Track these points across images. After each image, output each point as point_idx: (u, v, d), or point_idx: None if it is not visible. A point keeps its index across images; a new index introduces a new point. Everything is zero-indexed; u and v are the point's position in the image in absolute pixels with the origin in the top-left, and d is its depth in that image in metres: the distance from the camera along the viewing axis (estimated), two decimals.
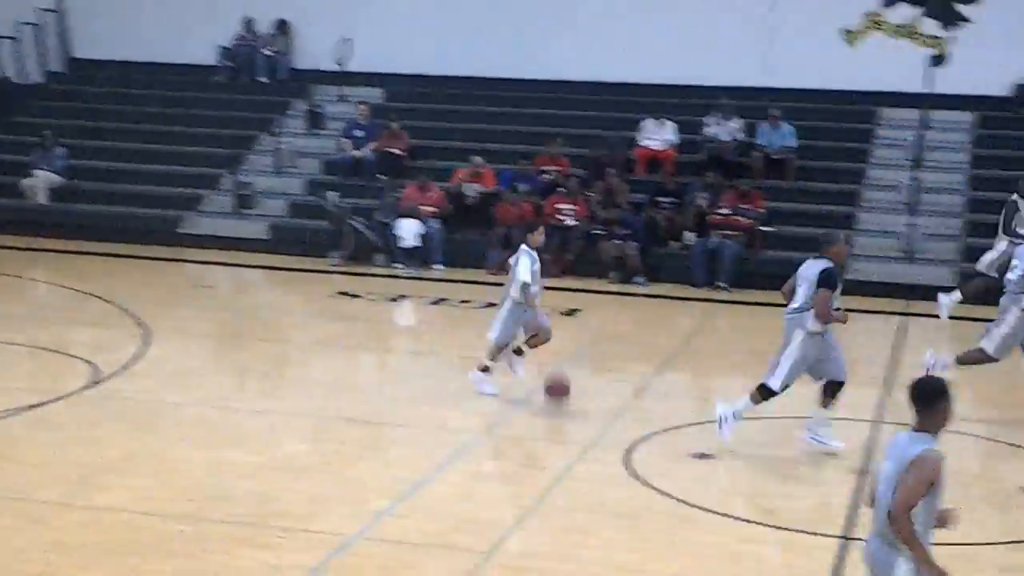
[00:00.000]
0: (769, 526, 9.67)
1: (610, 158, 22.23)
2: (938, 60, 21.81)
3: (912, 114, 22.71)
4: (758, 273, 20.32)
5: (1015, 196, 16.91)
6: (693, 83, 23.87)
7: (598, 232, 20.91)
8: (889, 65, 22.73)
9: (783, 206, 21.44)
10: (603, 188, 21.47)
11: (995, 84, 23.10)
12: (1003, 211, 16.75)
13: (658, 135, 22.83)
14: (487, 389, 12.94)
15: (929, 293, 19.63)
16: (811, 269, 11.61)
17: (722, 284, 20.18)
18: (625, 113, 23.50)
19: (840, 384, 11.75)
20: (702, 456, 11.38)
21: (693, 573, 8.75)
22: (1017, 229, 16.91)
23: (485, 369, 13.02)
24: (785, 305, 11.85)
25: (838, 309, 11.54)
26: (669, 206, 21.25)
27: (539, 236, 13.24)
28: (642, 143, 22.84)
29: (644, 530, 9.55)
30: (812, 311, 11.42)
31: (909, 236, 20.68)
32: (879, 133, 23.34)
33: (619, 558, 8.98)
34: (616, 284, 20.41)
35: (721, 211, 20.80)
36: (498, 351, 13.06)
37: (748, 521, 9.76)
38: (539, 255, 13.15)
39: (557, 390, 12.69)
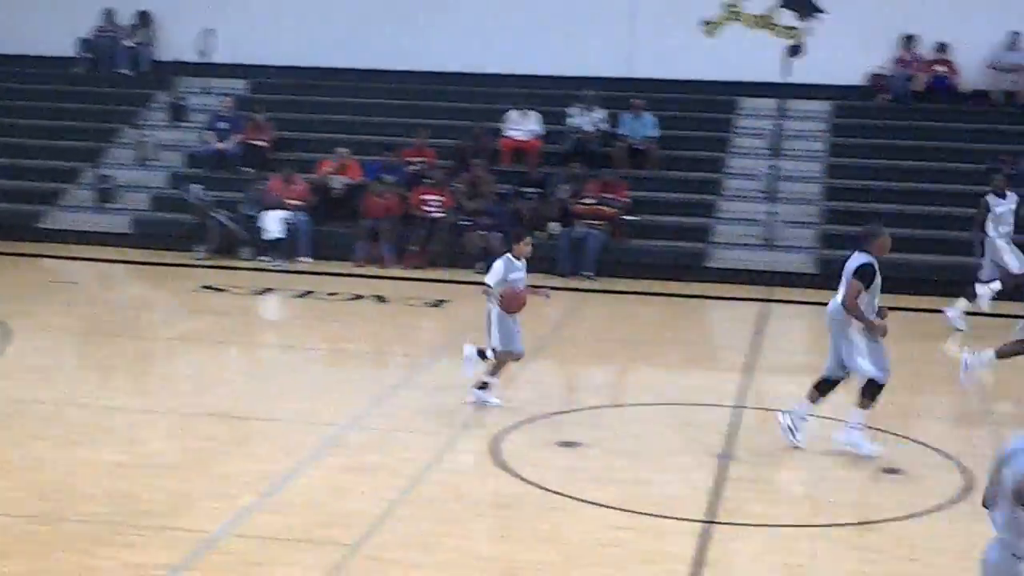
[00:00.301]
0: (634, 512, 9.80)
1: (475, 149, 22.31)
2: (795, 50, 22.25)
3: (770, 104, 23.16)
4: (622, 262, 20.61)
5: (989, 196, 17.44)
6: (556, 74, 24.07)
7: (464, 223, 20.97)
8: (748, 55, 23.17)
9: (646, 195, 21.71)
10: (469, 179, 21.54)
11: (850, 74, 23.66)
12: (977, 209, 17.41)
13: (523, 126, 22.96)
14: (492, 401, 12.53)
15: (789, 279, 20.18)
16: (852, 263, 11.55)
17: (587, 273, 20.38)
18: (490, 104, 23.61)
19: (836, 383, 11.72)
20: (569, 444, 11.50)
21: (559, 562, 8.83)
22: (988, 228, 17.44)
23: (483, 386, 12.58)
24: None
25: (881, 308, 11.48)
26: (534, 196, 21.40)
27: (525, 246, 12.60)
28: (507, 134, 22.95)
29: (511, 520, 9.63)
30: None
31: (769, 224, 21.09)
32: (739, 123, 23.77)
33: (486, 548, 9.05)
34: (483, 274, 20.38)
35: (585, 201, 21.01)
36: (501, 363, 12.57)
37: (613, 508, 9.88)
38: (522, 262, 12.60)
39: (512, 299, 12.37)
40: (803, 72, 22.45)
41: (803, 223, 21.47)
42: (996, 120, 22.81)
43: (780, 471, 11.18)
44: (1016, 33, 23.07)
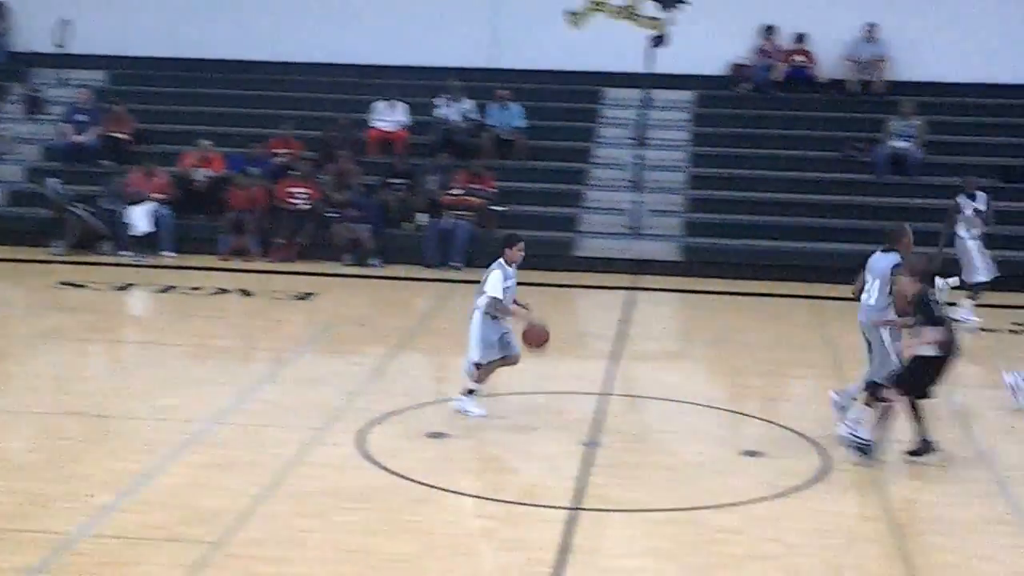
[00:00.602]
0: (500, 501, 9.82)
1: (342, 140, 22.15)
2: (658, 41, 22.42)
3: (635, 94, 23.32)
4: (491, 253, 20.42)
5: (960, 197, 17.51)
6: (423, 64, 23.98)
7: (331, 215, 20.82)
8: (612, 46, 23.28)
9: (513, 185, 21.74)
10: (335, 171, 21.38)
11: (712, 64, 23.95)
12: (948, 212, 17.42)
13: (389, 117, 22.86)
14: (475, 411, 12.04)
15: (654, 267, 20.41)
16: (881, 263, 11.70)
17: (456, 264, 20.36)
18: (356, 95, 23.47)
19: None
20: (436, 435, 11.48)
21: (427, 553, 8.82)
22: (958, 230, 17.59)
23: (470, 392, 12.15)
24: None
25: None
26: (402, 187, 21.32)
27: (518, 252, 12.08)
28: (374, 125, 22.83)
29: (378, 512, 9.57)
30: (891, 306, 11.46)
31: (634, 212, 21.28)
32: (604, 113, 23.92)
33: (352, 541, 8.98)
34: (350, 267, 20.36)
35: (453, 192, 20.99)
36: (484, 372, 12.11)
37: (480, 497, 9.90)
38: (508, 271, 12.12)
39: (535, 337, 11.95)
40: (666, 62, 22.61)
41: (668, 212, 21.68)
42: (852, 108, 23.25)
43: (645, 456, 11.27)
44: (872, 25, 23.53)
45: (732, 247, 20.72)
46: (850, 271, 19.22)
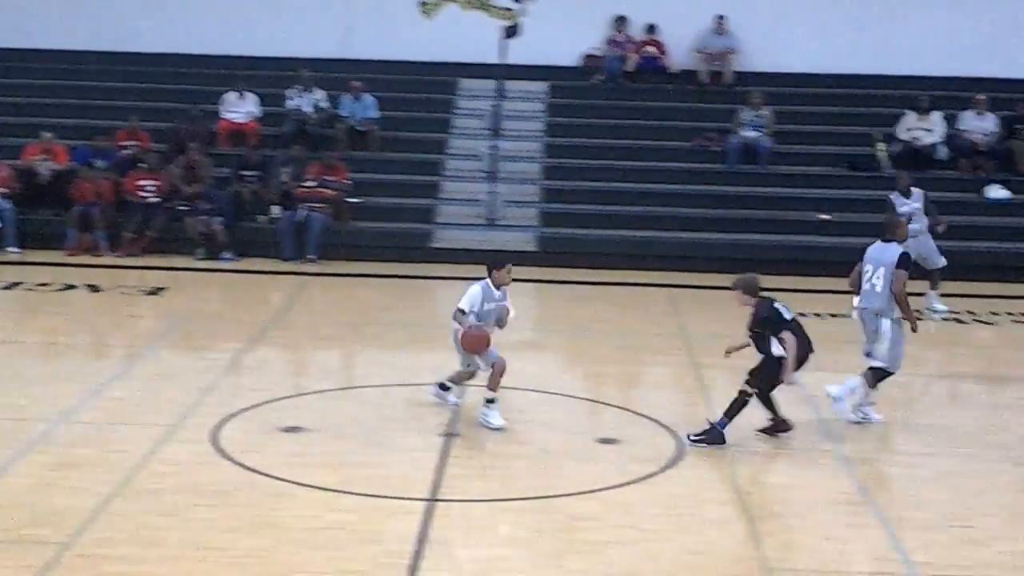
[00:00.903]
0: (357, 494, 9.76)
1: (192, 132, 21.79)
2: (511, 31, 22.48)
3: (489, 84, 23.36)
4: (346, 244, 20.49)
5: (893, 195, 17.66)
6: (274, 55, 23.73)
7: (182, 208, 20.48)
8: (465, 37, 23.30)
9: (368, 177, 21.64)
10: (185, 163, 21.02)
11: (565, 55, 24.10)
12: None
13: (240, 108, 22.57)
14: (451, 400, 12.06)
15: (511, 258, 20.36)
16: (885, 253, 11.95)
17: (311, 256, 20.19)
18: (206, 86, 23.12)
19: (890, 374, 12.03)
20: (292, 430, 11.36)
21: (283, 548, 8.72)
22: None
23: (444, 386, 12.12)
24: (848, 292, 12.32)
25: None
26: (254, 180, 21.06)
27: (507, 275, 11.70)
28: (224, 116, 22.52)
29: (233, 509, 9.44)
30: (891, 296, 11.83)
31: (490, 203, 21.32)
32: (459, 104, 23.92)
33: (207, 538, 8.84)
34: (203, 261, 20.05)
35: (306, 184, 20.80)
36: (462, 377, 12.02)
37: (337, 491, 9.81)
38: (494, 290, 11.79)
39: (474, 341, 11.57)
40: (520, 53, 22.71)
41: (523, 202, 21.77)
42: (703, 99, 23.59)
43: (503, 446, 11.28)
44: (721, 16, 23.89)
45: (587, 237, 20.88)
46: (705, 259, 19.90)
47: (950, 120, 22.32)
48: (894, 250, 12.05)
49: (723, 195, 21.68)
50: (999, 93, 22.65)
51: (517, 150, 22.79)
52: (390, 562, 8.52)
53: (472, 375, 12.04)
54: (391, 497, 9.75)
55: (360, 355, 15.28)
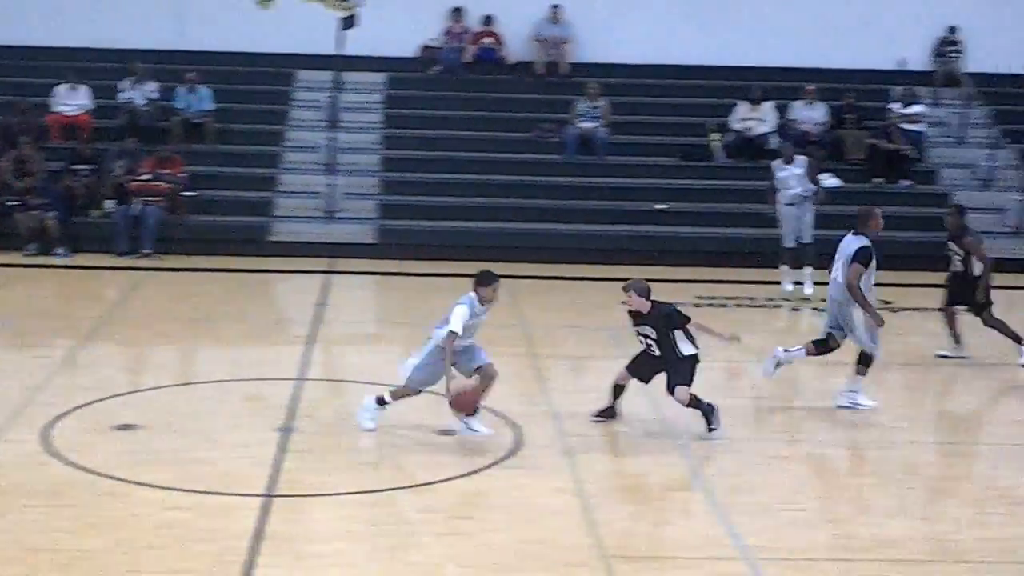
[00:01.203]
0: (193, 492, 9.66)
1: (22, 126, 21.24)
2: (348, 22, 22.34)
3: (327, 76, 23.22)
4: (182, 239, 20.21)
5: (776, 163, 18.61)
6: (105, 46, 23.25)
7: (12, 203, 19.98)
8: (302, 27, 23.10)
9: (204, 170, 21.35)
10: (15, 157, 20.49)
11: (403, 46, 24.06)
12: None
13: (72, 100, 22.10)
14: (367, 423, 11.27)
15: (350, 250, 20.42)
16: (850, 245, 12.23)
17: (146, 251, 19.87)
18: (36, 78, 22.56)
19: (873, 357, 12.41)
20: (126, 428, 11.19)
21: (116, 548, 8.59)
22: (777, 196, 18.46)
23: (382, 401, 11.33)
24: None
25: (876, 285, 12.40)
26: (87, 173, 20.64)
27: (493, 292, 11.06)
28: (55, 109, 22.02)
29: (63, 508, 9.26)
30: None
31: (329, 195, 21.20)
32: (296, 95, 23.74)
33: (36, 539, 8.68)
34: (34, 256, 19.60)
35: (141, 177, 20.45)
36: (402, 393, 11.29)
37: (171, 489, 9.69)
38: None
39: (463, 403, 10.96)
40: (358, 44, 22.57)
41: (362, 194, 21.69)
42: (540, 90, 23.77)
43: (341, 440, 11.25)
44: (556, 6, 24.07)
45: (426, 228, 20.91)
46: (544, 250, 20.09)
47: (782, 110, 22.83)
48: (856, 243, 12.35)
49: (561, 186, 21.89)
50: (829, 83, 23.23)
51: (355, 142, 22.69)
52: (226, 559, 8.45)
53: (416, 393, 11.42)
54: (227, 494, 9.67)
55: (197, 351, 15.08)
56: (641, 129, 23.10)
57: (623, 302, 11.53)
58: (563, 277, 19.13)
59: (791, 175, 18.46)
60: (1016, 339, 14.47)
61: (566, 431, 11.27)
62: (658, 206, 21.30)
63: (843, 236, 12.63)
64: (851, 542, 9.29)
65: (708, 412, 11.35)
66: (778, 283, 18.48)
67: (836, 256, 12.55)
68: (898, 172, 22.26)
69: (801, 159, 18.64)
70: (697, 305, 16.77)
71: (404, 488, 9.97)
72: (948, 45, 24.50)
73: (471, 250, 20.15)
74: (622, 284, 11.59)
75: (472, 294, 10.99)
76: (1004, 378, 14.37)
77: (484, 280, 11.06)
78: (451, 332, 10.75)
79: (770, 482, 10.49)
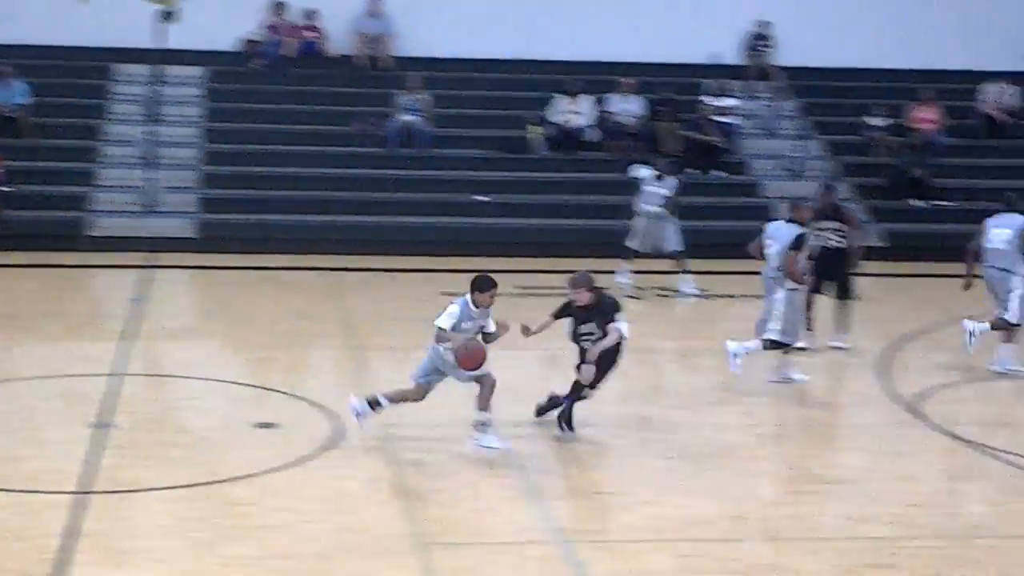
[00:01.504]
0: (6, 490, 9.53)
1: None
2: (168, 16, 22.06)
3: (145, 69, 22.91)
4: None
5: (641, 169, 18.58)
6: None
7: None
8: (120, 20, 22.73)
9: (20, 164, 20.90)
10: None
11: (224, 39, 23.82)
12: None
13: None
14: (360, 418, 11.06)
15: (171, 244, 20.22)
16: (782, 232, 13.19)
17: None
18: None
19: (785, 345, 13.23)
20: None
21: None
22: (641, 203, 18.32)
23: (375, 403, 11.06)
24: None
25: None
26: None
27: (488, 298, 10.75)
28: None
29: None
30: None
31: (148, 190, 20.95)
32: (114, 89, 23.38)
33: None
34: None
35: None
36: (403, 395, 11.07)
37: None
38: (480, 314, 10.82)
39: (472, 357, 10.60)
40: (177, 38, 22.28)
41: (182, 188, 21.48)
42: (362, 83, 23.79)
43: (159, 435, 11.21)
44: (376, 0, 24.10)
45: (248, 222, 20.79)
46: (367, 242, 20.12)
47: (599, 103, 23.22)
48: (790, 231, 13.14)
49: (383, 178, 21.96)
50: (645, 77, 23.69)
51: (176, 136, 22.44)
52: (39, 558, 8.35)
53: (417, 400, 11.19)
54: (41, 492, 9.56)
55: (11, 348, 14.77)
56: (463, 122, 23.29)
57: (572, 300, 11.36)
58: (387, 269, 19.21)
59: (656, 193, 18.20)
60: (844, 327, 14.89)
61: (385, 421, 11.34)
62: (479, 198, 21.52)
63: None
64: (661, 523, 9.54)
65: (567, 409, 11.43)
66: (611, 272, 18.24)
67: (767, 241, 13.35)
68: (710, 163, 22.85)
69: (672, 180, 18.33)
70: (519, 295, 16.98)
71: (222, 481, 9.97)
72: (759, 39, 25.18)
73: (293, 243, 20.22)
74: (567, 279, 11.42)
75: (467, 297, 10.80)
76: (827, 360, 14.67)
77: (480, 286, 10.79)
78: (438, 328, 10.65)
79: (587, 468, 10.75)
